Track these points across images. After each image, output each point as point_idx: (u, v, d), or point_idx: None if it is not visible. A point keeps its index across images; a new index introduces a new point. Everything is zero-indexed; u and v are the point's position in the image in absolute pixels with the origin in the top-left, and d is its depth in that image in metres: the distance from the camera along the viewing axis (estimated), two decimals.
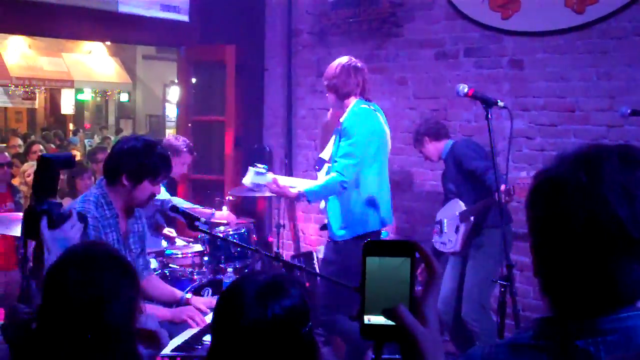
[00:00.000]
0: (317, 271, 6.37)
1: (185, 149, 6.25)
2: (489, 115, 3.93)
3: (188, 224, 3.94)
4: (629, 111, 4.60)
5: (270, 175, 5.00)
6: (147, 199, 3.70)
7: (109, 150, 4.38)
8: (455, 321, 5.47)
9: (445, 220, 5.49)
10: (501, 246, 4.02)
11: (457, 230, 5.36)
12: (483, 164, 5.05)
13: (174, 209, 4.06)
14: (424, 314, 1.29)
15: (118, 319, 2.12)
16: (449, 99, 6.14)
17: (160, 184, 3.75)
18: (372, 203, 4.85)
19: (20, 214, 4.03)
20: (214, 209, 6.27)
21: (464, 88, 4.01)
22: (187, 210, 4.01)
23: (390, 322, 1.30)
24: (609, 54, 5.50)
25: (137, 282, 2.28)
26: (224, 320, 1.96)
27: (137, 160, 3.58)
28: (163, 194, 6.01)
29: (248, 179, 5.10)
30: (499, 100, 3.98)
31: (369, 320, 1.32)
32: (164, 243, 6.35)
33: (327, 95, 5.02)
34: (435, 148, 5.60)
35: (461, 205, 5.34)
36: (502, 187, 4.46)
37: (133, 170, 3.58)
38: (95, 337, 2.09)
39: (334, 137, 5.01)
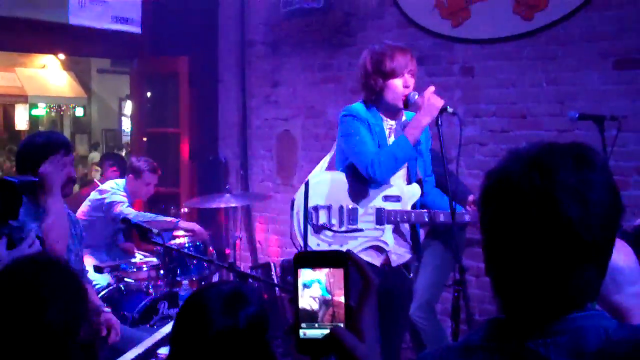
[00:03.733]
0: (275, 282, 6.37)
1: (146, 169, 6.16)
2: (439, 122, 3.93)
3: (140, 236, 3.90)
4: (577, 115, 4.65)
5: None
6: (65, 184, 3.60)
7: None
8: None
9: None
10: (455, 249, 4.00)
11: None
12: (440, 170, 5.00)
13: (125, 220, 4.02)
14: (360, 327, 1.26)
15: (56, 322, 2.08)
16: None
17: (70, 164, 3.65)
18: None
19: None
20: (179, 219, 6.21)
21: (414, 95, 3.99)
22: (139, 223, 3.97)
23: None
24: (557, 59, 5.57)
25: (80, 287, 2.24)
26: (190, 332, 1.93)
27: (27, 156, 3.55)
28: (125, 208, 5.95)
29: None
30: (448, 107, 3.97)
31: (304, 335, 1.28)
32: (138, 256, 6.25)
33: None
34: None
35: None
36: (471, 197, 4.44)
37: (32, 167, 3.51)
38: (31, 340, 2.04)
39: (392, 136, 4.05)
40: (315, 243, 3.91)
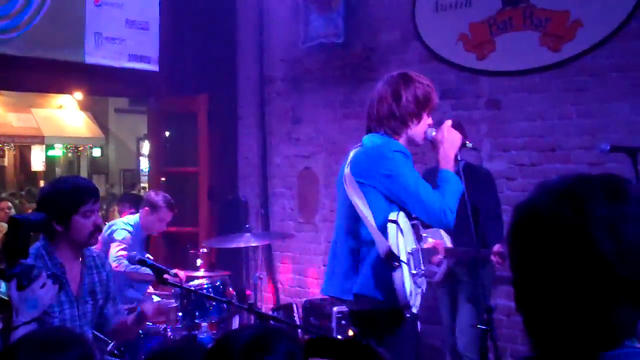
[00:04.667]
0: (298, 323, 6.20)
1: (164, 205, 6.09)
2: (459, 158, 3.78)
3: (157, 277, 3.75)
4: (608, 147, 4.50)
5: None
6: (91, 234, 3.47)
7: None
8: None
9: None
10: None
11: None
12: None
13: (142, 262, 3.86)
14: None
15: None
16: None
17: (97, 212, 3.51)
18: None
19: None
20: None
21: (431, 132, 3.83)
22: (155, 264, 3.81)
23: None
24: (586, 91, 5.45)
25: None
26: None
27: (53, 203, 3.38)
28: (117, 252, 5.80)
29: None
30: (467, 142, 3.81)
31: None
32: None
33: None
34: None
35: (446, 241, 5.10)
36: (497, 246, 4.28)
37: (56, 215, 3.37)
38: None
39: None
40: (415, 292, 3.46)
